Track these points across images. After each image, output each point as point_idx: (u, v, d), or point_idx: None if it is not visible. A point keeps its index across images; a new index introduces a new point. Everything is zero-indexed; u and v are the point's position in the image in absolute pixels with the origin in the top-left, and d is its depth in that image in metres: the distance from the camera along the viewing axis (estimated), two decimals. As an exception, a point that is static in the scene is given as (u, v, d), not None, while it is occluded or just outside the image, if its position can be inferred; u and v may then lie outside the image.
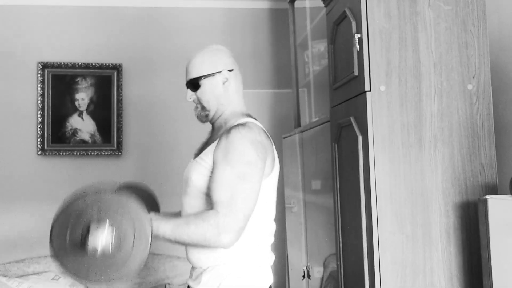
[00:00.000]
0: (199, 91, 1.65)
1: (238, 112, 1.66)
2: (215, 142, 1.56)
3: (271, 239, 1.64)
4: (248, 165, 1.46)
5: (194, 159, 1.65)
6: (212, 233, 1.40)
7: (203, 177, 1.54)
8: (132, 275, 1.36)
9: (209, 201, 1.51)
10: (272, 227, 1.64)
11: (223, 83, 1.64)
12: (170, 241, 1.43)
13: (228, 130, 1.53)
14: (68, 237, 1.33)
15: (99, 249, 1.29)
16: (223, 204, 1.42)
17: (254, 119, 1.65)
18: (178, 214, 1.72)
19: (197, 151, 1.69)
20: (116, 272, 1.32)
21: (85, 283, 1.35)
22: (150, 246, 1.35)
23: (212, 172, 1.51)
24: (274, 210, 1.65)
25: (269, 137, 1.61)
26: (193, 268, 1.63)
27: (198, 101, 1.67)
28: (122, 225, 1.33)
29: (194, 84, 1.65)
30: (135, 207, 1.36)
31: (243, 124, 1.53)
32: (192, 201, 1.57)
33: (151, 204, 1.84)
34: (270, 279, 1.61)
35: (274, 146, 1.62)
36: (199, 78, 1.64)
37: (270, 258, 1.63)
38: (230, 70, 1.66)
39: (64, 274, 1.32)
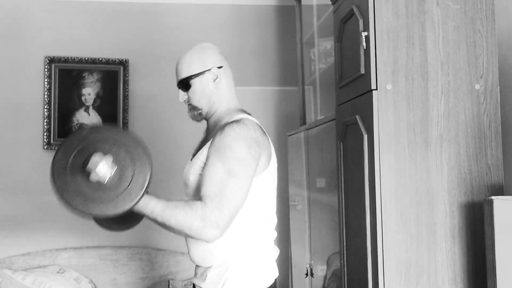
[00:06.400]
0: (190, 91, 1.65)
1: (232, 109, 1.65)
2: (210, 141, 1.55)
3: (274, 234, 1.64)
4: (238, 161, 1.46)
5: (191, 160, 1.65)
6: (198, 226, 1.39)
7: (200, 177, 1.53)
8: (114, 214, 1.36)
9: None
10: (274, 221, 1.64)
11: (214, 81, 1.64)
12: (155, 220, 1.42)
13: (222, 127, 1.52)
14: (71, 160, 1.37)
15: (97, 176, 1.32)
16: (211, 198, 1.42)
17: (249, 114, 1.64)
18: None
19: (194, 151, 1.69)
20: (102, 204, 1.34)
21: (68, 206, 1.34)
22: (145, 192, 1.38)
23: (203, 167, 1.51)
24: (275, 204, 1.65)
25: (265, 132, 1.60)
26: (197, 266, 1.63)
27: (190, 101, 1.67)
28: (124, 161, 1.38)
29: (185, 84, 1.65)
30: (140, 150, 1.43)
31: (237, 121, 1.52)
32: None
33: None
34: (275, 273, 1.62)
35: (270, 142, 1.61)
36: (189, 77, 1.63)
37: (274, 252, 1.64)
38: (219, 67, 1.65)
39: (55, 193, 1.34)
